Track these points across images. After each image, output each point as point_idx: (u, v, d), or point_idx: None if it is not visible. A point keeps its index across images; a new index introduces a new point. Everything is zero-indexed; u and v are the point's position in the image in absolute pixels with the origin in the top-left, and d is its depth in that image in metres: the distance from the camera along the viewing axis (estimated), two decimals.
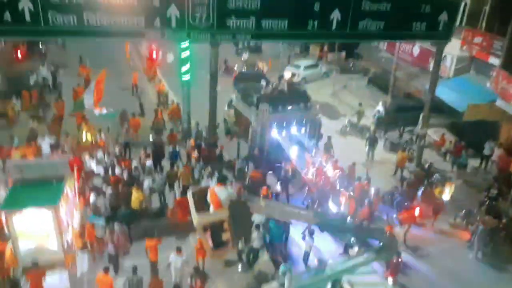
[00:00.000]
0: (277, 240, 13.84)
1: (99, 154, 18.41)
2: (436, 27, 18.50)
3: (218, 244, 9.13)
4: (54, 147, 18.86)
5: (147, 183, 16.68)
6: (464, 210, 17.81)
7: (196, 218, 8.77)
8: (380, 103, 26.17)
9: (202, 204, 9.31)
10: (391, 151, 23.70)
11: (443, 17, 18.31)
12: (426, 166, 20.99)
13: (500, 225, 16.57)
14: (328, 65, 36.72)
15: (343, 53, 38.91)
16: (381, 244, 11.23)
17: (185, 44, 18.00)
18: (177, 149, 19.53)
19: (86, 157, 18.03)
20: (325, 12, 17.05)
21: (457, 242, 17.03)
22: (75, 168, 15.47)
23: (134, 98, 27.02)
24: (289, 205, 13.84)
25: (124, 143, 20.18)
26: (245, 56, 37.23)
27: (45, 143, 18.80)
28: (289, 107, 19.60)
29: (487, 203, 18.00)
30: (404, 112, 25.61)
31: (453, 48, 24.21)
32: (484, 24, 23.50)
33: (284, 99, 19.71)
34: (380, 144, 23.96)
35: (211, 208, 9.06)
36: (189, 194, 10.09)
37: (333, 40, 22.56)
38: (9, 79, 26.96)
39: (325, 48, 38.60)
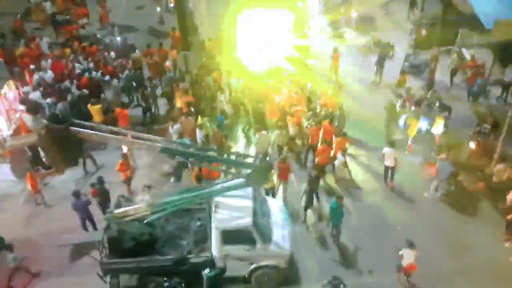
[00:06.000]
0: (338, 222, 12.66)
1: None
2: None
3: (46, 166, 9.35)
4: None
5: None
6: (439, 144, 15.56)
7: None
8: None
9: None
10: (410, 74, 21.00)
11: None
12: (429, 93, 18.38)
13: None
14: None
15: None
16: (251, 170, 10.62)
17: None
18: None
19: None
20: None
21: (421, 177, 15.20)
22: None
23: None
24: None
25: None
26: None
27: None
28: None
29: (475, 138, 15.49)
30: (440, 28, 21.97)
31: None
32: None
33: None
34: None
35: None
36: None
37: None
38: None
39: None
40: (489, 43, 21.12)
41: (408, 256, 11.07)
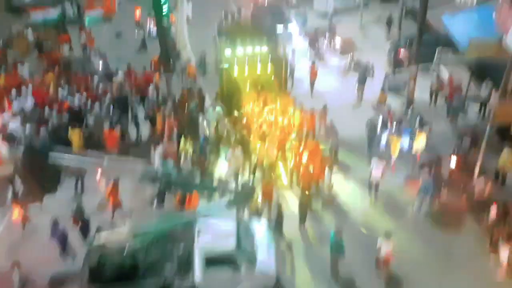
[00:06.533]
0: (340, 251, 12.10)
1: None
2: None
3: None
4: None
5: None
6: (421, 161, 15.71)
7: None
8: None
9: None
10: (390, 92, 21.35)
11: None
12: (409, 111, 18.69)
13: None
14: None
15: None
16: (233, 194, 10.64)
17: None
18: None
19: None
20: None
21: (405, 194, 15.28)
22: None
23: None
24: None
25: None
26: None
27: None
28: (249, 44, 18.17)
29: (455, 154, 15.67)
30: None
31: None
32: None
33: (243, 33, 18.38)
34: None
35: None
36: None
37: None
38: None
39: None
40: (465, 60, 21.69)
41: (385, 246, 11.68)
